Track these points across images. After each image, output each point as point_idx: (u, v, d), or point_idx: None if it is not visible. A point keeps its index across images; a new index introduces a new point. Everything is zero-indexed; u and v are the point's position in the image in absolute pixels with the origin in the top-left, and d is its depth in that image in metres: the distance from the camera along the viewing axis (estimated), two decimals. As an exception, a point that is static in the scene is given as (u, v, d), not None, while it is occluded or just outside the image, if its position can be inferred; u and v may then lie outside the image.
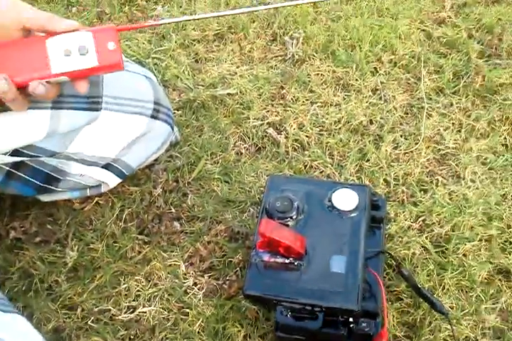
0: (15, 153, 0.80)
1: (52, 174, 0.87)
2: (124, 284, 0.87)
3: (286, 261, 0.71)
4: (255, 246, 0.73)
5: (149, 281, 0.88)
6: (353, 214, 0.73)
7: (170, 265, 0.89)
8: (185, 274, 0.88)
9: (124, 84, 0.88)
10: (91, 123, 0.83)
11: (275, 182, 0.80)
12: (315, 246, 0.71)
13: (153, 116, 0.90)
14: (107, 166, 0.90)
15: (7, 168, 0.84)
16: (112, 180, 0.92)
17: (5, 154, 0.80)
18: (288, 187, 0.78)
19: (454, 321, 0.82)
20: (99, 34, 0.69)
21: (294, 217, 0.74)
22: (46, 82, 0.69)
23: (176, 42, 1.24)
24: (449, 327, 0.81)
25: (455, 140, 1.05)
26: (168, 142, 0.97)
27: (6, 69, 0.68)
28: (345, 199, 0.75)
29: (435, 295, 0.84)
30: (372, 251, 0.75)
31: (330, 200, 0.75)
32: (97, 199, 0.97)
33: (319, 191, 0.77)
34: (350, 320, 0.68)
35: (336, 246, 0.71)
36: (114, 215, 0.95)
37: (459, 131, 1.06)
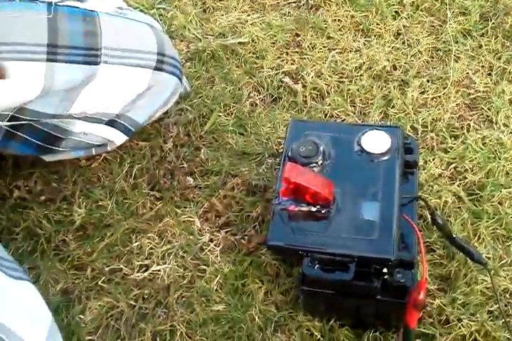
0: (13, 119, 0.74)
1: (52, 133, 0.80)
2: (135, 242, 0.82)
3: (313, 209, 0.64)
4: (278, 194, 0.66)
5: (162, 238, 0.82)
6: (385, 157, 0.66)
7: (184, 221, 0.84)
8: (200, 230, 0.82)
9: (125, 34, 0.82)
10: (90, 80, 0.77)
11: (297, 127, 0.73)
12: (344, 192, 0.64)
13: (157, 68, 0.83)
14: (111, 123, 0.84)
15: (5, 128, 0.78)
16: (119, 138, 0.86)
17: (2, 120, 0.74)
18: (312, 132, 0.71)
19: (492, 272, 0.76)
20: None
21: (320, 162, 0.67)
22: None
23: (181, -9, 1.16)
24: (486, 278, 0.75)
25: (485, 83, 0.97)
26: (176, 94, 0.90)
27: None
28: (377, 142, 0.68)
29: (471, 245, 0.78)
30: (406, 198, 0.68)
31: (359, 143, 0.68)
32: (104, 155, 0.91)
33: (346, 135, 0.70)
34: (384, 270, 0.62)
35: (368, 192, 0.64)
36: (124, 171, 0.89)
37: (489, 74, 0.99)
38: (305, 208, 0.63)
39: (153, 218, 0.84)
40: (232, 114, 0.96)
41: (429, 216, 0.77)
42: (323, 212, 0.64)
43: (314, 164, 0.66)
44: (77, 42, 0.75)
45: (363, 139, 0.67)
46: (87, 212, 0.85)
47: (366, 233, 0.61)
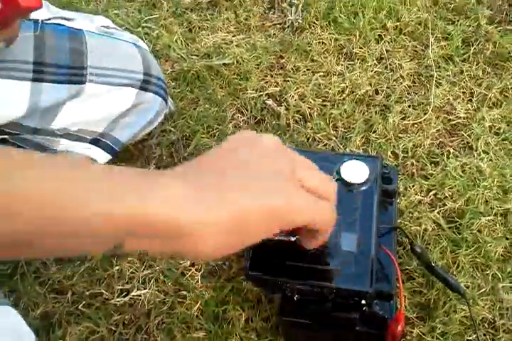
0: None
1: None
2: (116, 266, 0.81)
3: (292, 238, 0.64)
4: None
5: (143, 263, 0.82)
6: (363, 188, 0.67)
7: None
8: (181, 255, 0.82)
9: (111, 52, 0.82)
10: (75, 97, 0.77)
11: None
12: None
13: (142, 88, 0.84)
14: (95, 141, 0.84)
15: None
16: (101, 157, 0.86)
17: None
18: (292, 160, 0.71)
19: (471, 301, 0.77)
20: None
21: (299, 191, 0.68)
22: None
23: (167, 10, 1.17)
24: (464, 307, 0.76)
25: (466, 109, 0.99)
26: (161, 115, 0.90)
27: None
28: (355, 172, 0.68)
29: (450, 274, 0.79)
30: (385, 228, 0.69)
31: (338, 173, 0.69)
32: (86, 176, 0.90)
33: (326, 164, 0.70)
34: (363, 302, 0.62)
35: (347, 222, 0.64)
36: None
37: (470, 100, 1.00)
38: (285, 238, 0.63)
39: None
40: (215, 135, 0.96)
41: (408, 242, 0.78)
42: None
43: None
44: (64, 60, 0.76)
45: (341, 169, 0.68)
46: (67, 234, 0.84)
47: (344, 265, 0.61)
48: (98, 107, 0.81)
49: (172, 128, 0.96)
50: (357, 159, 0.69)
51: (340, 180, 0.67)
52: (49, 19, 0.77)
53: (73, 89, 0.76)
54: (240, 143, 0.51)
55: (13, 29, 0.68)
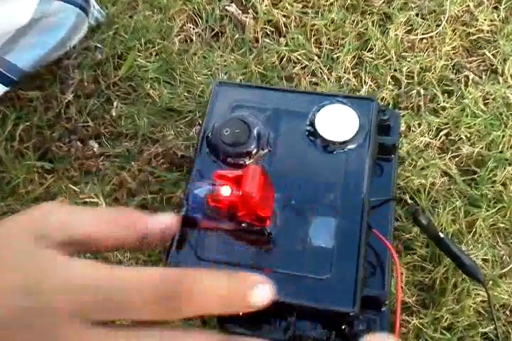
0: None
1: None
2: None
3: (238, 227, 0.42)
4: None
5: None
6: (349, 147, 0.44)
7: (84, 202, 0.63)
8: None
9: None
10: None
11: (224, 93, 0.50)
12: (286, 202, 0.42)
13: None
14: None
15: None
16: None
17: None
18: (244, 103, 0.49)
19: (490, 282, 0.58)
20: None
21: (254, 151, 0.45)
22: None
23: None
24: (480, 292, 0.57)
25: (491, 20, 0.75)
26: (79, 31, 0.70)
27: None
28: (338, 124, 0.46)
29: (463, 245, 0.60)
30: (377, 200, 0.47)
31: (312, 124, 0.46)
32: (-20, 108, 0.69)
33: (294, 108, 0.48)
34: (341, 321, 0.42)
35: (321, 201, 0.42)
36: (4, 132, 0.67)
37: (496, 7, 0.77)
38: (227, 226, 0.41)
39: (42, 197, 0.64)
40: (156, 54, 0.73)
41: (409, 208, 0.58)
42: (253, 233, 0.42)
43: (245, 157, 0.44)
44: None
45: (317, 118, 0.45)
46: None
47: (314, 268, 0.39)
48: None
49: (98, 44, 0.73)
50: (341, 102, 0.46)
51: (316, 136, 0.45)
52: None
53: None
54: None
55: None
